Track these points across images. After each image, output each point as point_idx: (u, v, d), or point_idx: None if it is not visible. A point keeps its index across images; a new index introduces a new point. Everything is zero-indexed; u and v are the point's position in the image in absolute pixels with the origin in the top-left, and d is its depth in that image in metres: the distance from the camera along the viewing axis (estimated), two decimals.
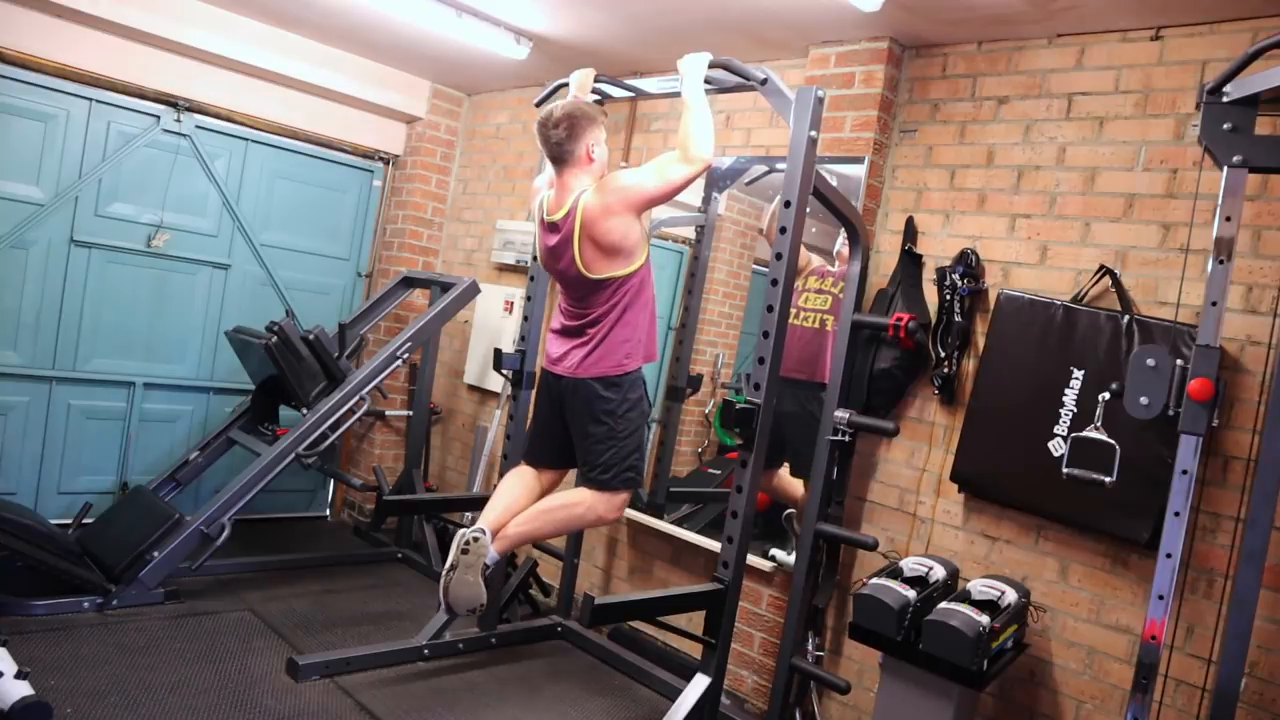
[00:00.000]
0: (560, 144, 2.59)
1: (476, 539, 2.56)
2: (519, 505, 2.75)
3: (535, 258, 3.41)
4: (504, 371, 3.45)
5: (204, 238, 4.44)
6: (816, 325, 3.29)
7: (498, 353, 3.44)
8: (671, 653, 3.55)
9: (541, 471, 2.89)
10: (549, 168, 2.75)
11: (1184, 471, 2.00)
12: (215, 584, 3.75)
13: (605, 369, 2.64)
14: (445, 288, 4.30)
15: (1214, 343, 1.98)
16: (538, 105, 3.47)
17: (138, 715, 2.60)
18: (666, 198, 2.60)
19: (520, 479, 2.86)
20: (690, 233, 3.81)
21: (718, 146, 3.69)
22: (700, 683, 2.49)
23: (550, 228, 2.66)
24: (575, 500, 2.71)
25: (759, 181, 3.70)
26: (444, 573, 2.54)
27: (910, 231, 3.10)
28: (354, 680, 3.01)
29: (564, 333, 2.75)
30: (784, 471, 3.37)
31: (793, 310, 3.24)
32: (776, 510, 3.47)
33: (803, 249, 2.64)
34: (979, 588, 2.55)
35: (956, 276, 2.90)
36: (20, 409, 3.99)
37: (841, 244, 3.37)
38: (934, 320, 2.96)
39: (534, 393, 2.90)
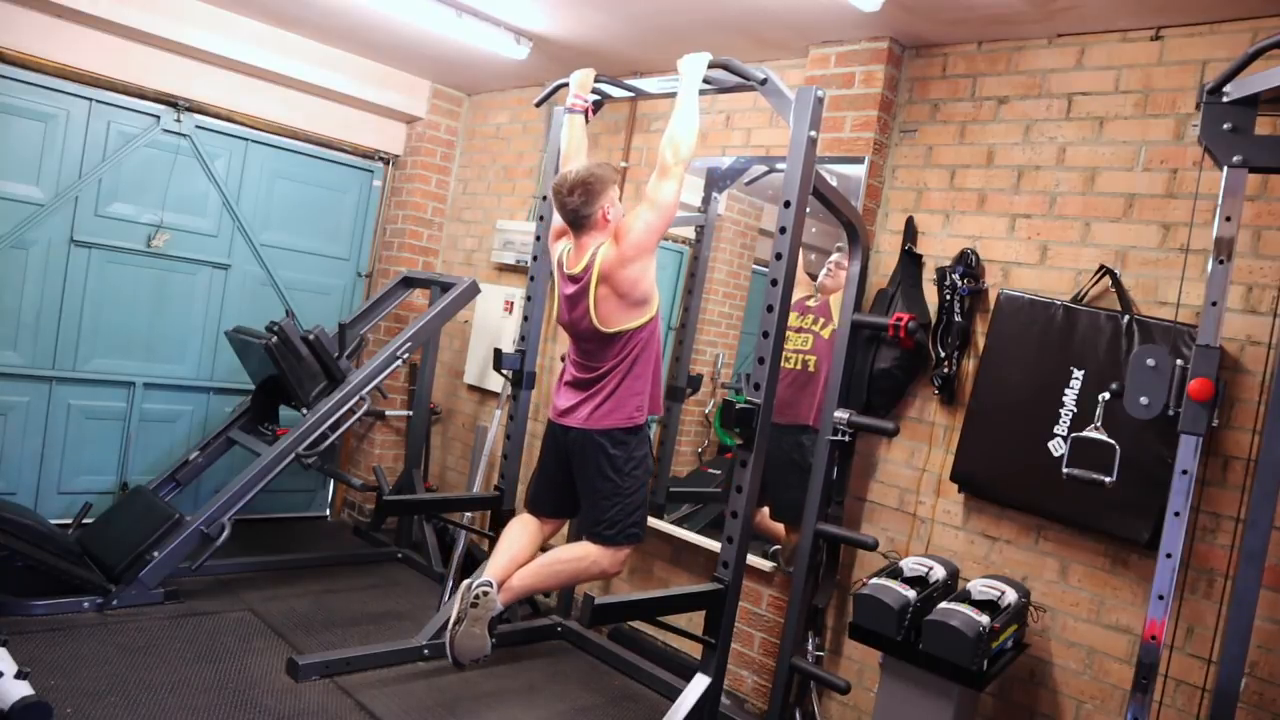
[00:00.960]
0: (577, 210, 2.66)
1: (486, 593, 2.58)
2: (524, 556, 2.78)
3: (535, 257, 3.43)
4: (504, 371, 3.45)
5: (204, 238, 4.44)
6: (799, 367, 3.24)
7: (498, 353, 3.44)
8: (671, 653, 3.55)
9: (544, 521, 2.93)
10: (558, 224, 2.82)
11: (1184, 471, 2.00)
12: (215, 584, 3.75)
13: (615, 422, 2.69)
14: (445, 288, 4.30)
15: (1214, 343, 1.98)
16: (538, 105, 3.48)
17: (138, 715, 2.60)
18: (671, 216, 2.63)
19: (524, 528, 2.89)
20: (690, 233, 3.81)
21: (718, 147, 3.71)
22: (700, 683, 2.49)
23: (569, 279, 2.73)
24: (580, 555, 2.74)
25: (759, 181, 3.70)
26: (450, 625, 2.56)
27: (910, 231, 3.09)
28: (354, 680, 3.01)
29: (574, 385, 2.79)
30: (766, 512, 3.35)
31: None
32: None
33: None
34: (979, 588, 2.55)
35: (956, 276, 2.90)
36: (20, 409, 3.99)
37: (826, 274, 3.32)
38: (934, 320, 2.96)
39: (541, 443, 2.95)
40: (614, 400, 2.69)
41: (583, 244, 2.70)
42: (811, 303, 3.32)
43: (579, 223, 2.68)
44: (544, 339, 4.26)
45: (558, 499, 2.90)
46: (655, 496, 3.77)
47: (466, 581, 2.61)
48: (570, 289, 2.72)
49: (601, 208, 2.66)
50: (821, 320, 3.23)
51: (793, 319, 3.27)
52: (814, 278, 3.38)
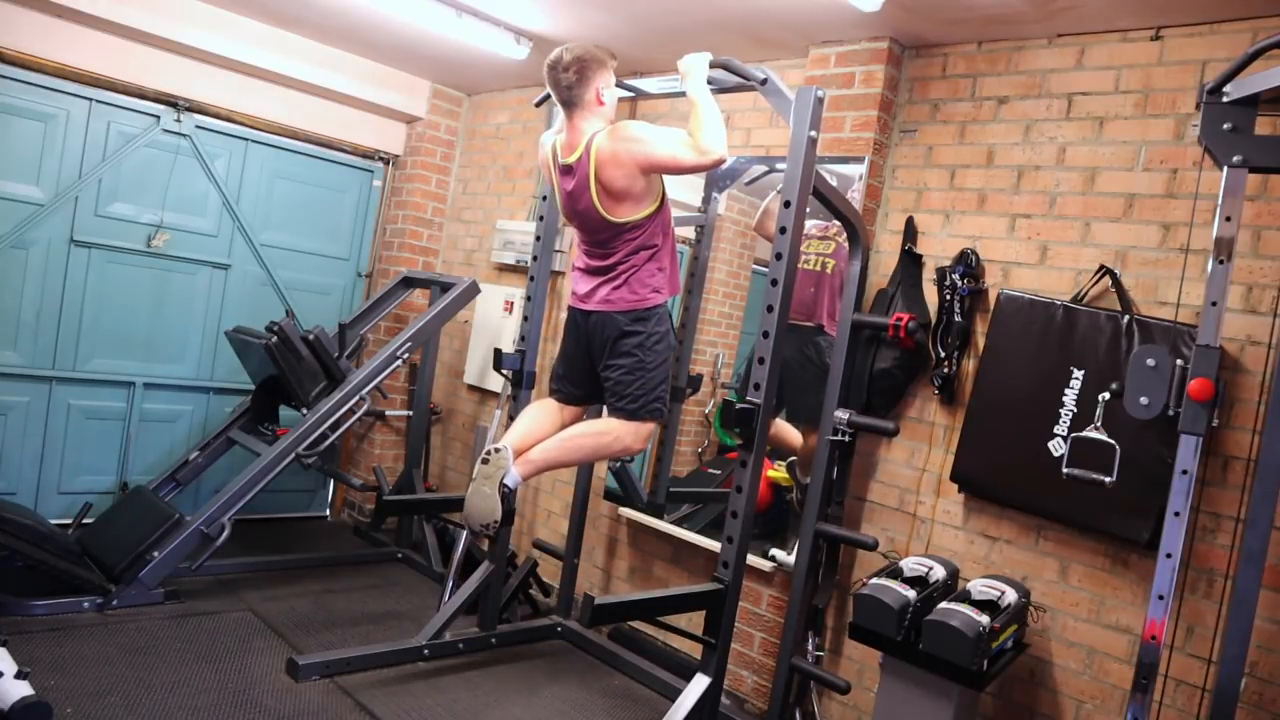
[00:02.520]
0: (570, 88, 2.59)
1: (498, 450, 2.58)
2: (541, 432, 2.76)
3: (535, 257, 3.43)
4: (504, 371, 3.45)
5: (204, 238, 4.44)
6: (818, 268, 3.28)
7: (498, 353, 3.44)
8: (671, 653, 3.55)
9: (564, 407, 2.90)
10: (560, 117, 2.73)
11: (1184, 471, 2.00)
12: (215, 584, 3.75)
13: (634, 303, 2.65)
14: (445, 288, 4.30)
15: (1214, 343, 1.98)
16: (538, 105, 3.48)
17: (138, 715, 2.60)
18: (669, 173, 2.60)
19: (544, 409, 2.87)
20: (690, 233, 3.81)
21: None
22: (700, 683, 2.49)
23: (565, 171, 2.65)
24: (603, 429, 2.72)
25: (759, 181, 3.70)
26: (468, 488, 2.59)
27: (910, 231, 3.10)
28: (354, 680, 3.01)
29: (589, 271, 2.74)
30: (780, 420, 3.35)
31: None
32: (777, 510, 3.48)
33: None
34: (979, 588, 2.55)
35: (956, 276, 2.90)
36: (20, 409, 3.99)
37: None
38: (934, 320, 2.96)
39: (564, 328, 2.91)
40: (632, 282, 2.65)
41: (575, 127, 2.62)
42: (835, 222, 3.36)
43: (572, 101, 2.61)
44: (544, 339, 4.26)
45: (579, 384, 2.87)
46: (655, 496, 3.78)
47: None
48: (569, 183, 2.64)
49: (596, 88, 2.60)
50: (844, 235, 3.24)
51: (815, 232, 3.34)
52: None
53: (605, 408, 2.79)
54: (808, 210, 2.52)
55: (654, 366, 2.68)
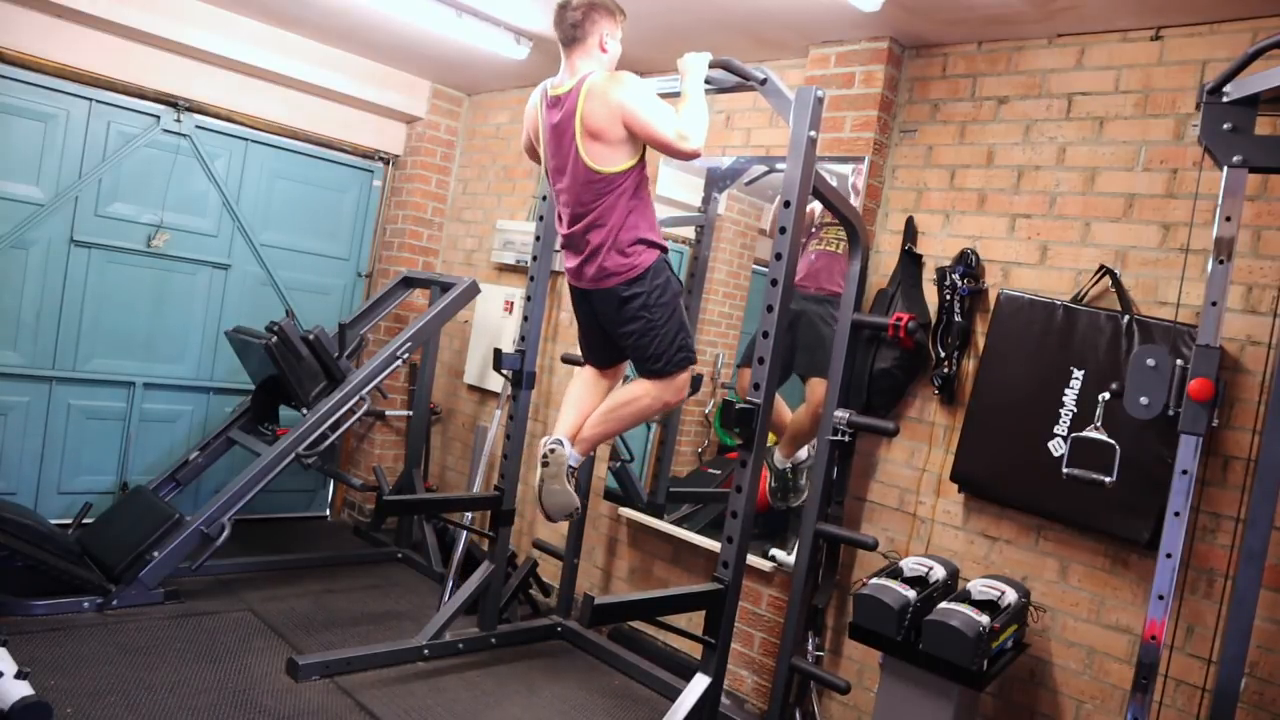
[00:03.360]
0: (575, 25, 2.55)
1: (554, 450, 2.63)
2: (589, 407, 2.80)
3: (535, 257, 3.43)
4: (504, 371, 3.45)
5: (204, 238, 4.44)
6: (836, 249, 3.31)
7: (498, 353, 3.44)
8: (671, 653, 3.55)
9: (602, 372, 2.92)
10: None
11: (1184, 471, 2.00)
12: (215, 584, 3.75)
13: (620, 276, 2.60)
14: (445, 288, 4.30)
15: (1214, 343, 1.98)
16: None
17: (138, 715, 2.60)
18: (642, 137, 2.53)
19: (584, 383, 2.90)
20: (690, 233, 3.81)
21: (718, 147, 3.70)
22: (700, 683, 2.49)
23: (553, 103, 2.61)
24: (639, 394, 2.72)
25: (759, 181, 3.70)
26: (535, 488, 2.65)
27: (910, 231, 3.10)
28: (354, 680, 3.01)
29: (569, 246, 2.71)
30: (780, 405, 3.35)
31: (815, 239, 3.34)
32: (777, 510, 3.47)
33: (809, 203, 2.65)
34: (979, 588, 2.55)
35: (956, 276, 2.90)
36: (20, 409, 3.99)
37: None
38: (934, 320, 2.96)
39: (571, 303, 2.90)
40: (611, 255, 2.59)
41: (574, 65, 2.57)
42: None
43: (575, 37, 2.57)
44: (544, 339, 4.26)
45: (605, 350, 2.87)
46: (655, 496, 3.78)
47: (540, 441, 2.69)
48: (555, 115, 2.58)
49: (601, 33, 2.58)
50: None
51: (829, 218, 3.31)
52: None
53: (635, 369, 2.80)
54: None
55: (664, 321, 2.64)
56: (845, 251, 3.24)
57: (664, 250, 2.66)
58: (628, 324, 2.65)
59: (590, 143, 2.52)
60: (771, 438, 3.37)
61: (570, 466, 2.64)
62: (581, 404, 2.83)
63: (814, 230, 3.36)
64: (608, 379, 2.92)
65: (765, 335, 2.46)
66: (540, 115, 2.69)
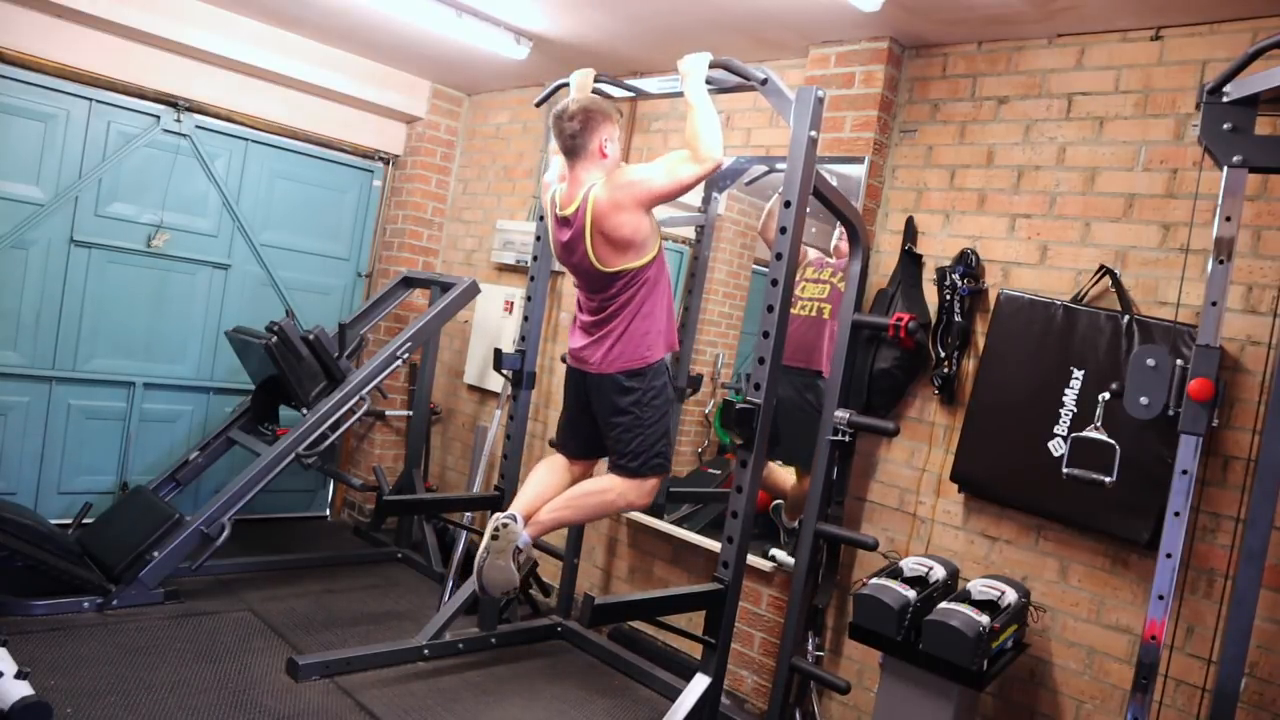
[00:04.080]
0: (574, 136, 2.60)
1: (506, 525, 2.60)
2: (551, 492, 2.79)
3: (535, 257, 3.43)
4: (504, 371, 3.45)
5: (204, 238, 4.44)
6: (814, 314, 3.30)
7: (498, 353, 3.44)
8: (671, 653, 3.55)
9: (573, 462, 2.93)
10: (556, 164, 2.76)
11: (1184, 471, 2.00)
12: (215, 584, 3.75)
13: (628, 362, 2.67)
14: (445, 288, 4.30)
15: (1214, 343, 1.98)
16: (538, 105, 3.48)
17: (138, 715, 2.60)
18: (674, 196, 2.60)
19: (551, 468, 2.90)
20: (690, 233, 3.81)
21: None
22: (700, 683, 2.49)
23: (562, 222, 2.67)
24: (606, 487, 2.74)
25: (759, 181, 3.70)
26: (477, 557, 2.60)
27: (910, 231, 3.09)
28: (354, 680, 3.01)
29: (585, 329, 2.77)
30: (774, 464, 3.36)
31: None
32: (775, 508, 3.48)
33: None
34: (979, 588, 2.55)
35: (956, 276, 2.90)
36: (20, 409, 3.99)
37: (839, 238, 3.37)
38: (934, 320, 2.96)
39: (564, 385, 2.94)
40: (625, 341, 2.66)
41: (577, 177, 2.64)
42: (830, 259, 3.39)
43: (575, 150, 2.62)
44: (544, 339, 4.26)
45: (584, 439, 2.89)
46: (655, 496, 3.76)
47: (494, 514, 2.64)
48: (565, 235, 2.66)
49: (600, 140, 2.62)
50: (839, 275, 3.26)
51: (810, 273, 3.38)
52: (825, 252, 3.48)
53: (608, 463, 2.81)
54: (810, 232, 2.52)
55: (652, 423, 2.70)
56: (829, 315, 3.24)
57: (669, 350, 2.75)
58: (617, 415, 2.70)
59: (608, 254, 2.59)
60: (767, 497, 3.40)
61: (518, 547, 2.60)
62: (543, 486, 2.82)
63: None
64: (577, 470, 2.93)
65: (765, 335, 2.46)
66: (551, 225, 2.76)
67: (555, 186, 2.74)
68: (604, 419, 2.76)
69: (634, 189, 2.53)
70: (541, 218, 3.40)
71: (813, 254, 3.41)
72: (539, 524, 2.69)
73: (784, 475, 3.37)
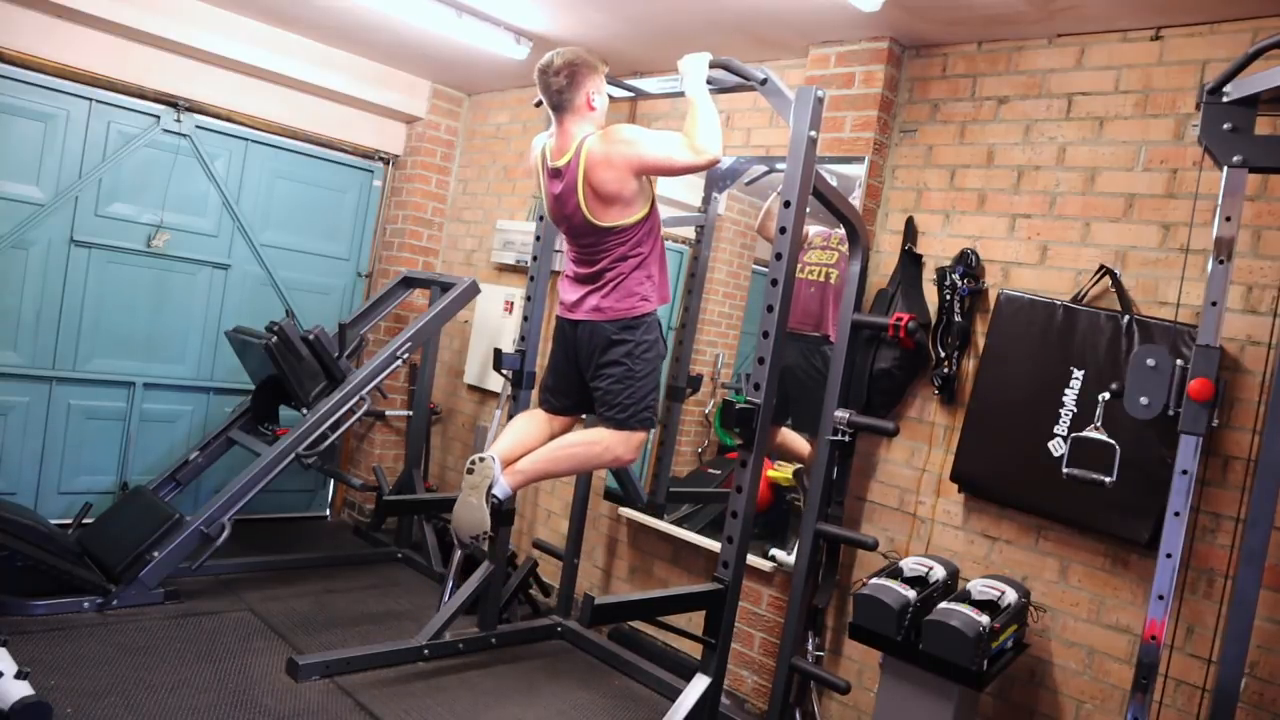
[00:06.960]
0: (561, 91, 2.59)
1: (482, 459, 2.57)
2: (532, 442, 2.75)
3: (535, 257, 3.43)
4: (504, 371, 3.45)
5: (204, 238, 4.44)
6: (821, 278, 3.30)
7: (498, 353, 3.44)
8: (671, 653, 3.55)
9: (554, 417, 2.89)
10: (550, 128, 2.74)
11: (1184, 471, 2.00)
12: (215, 584, 3.75)
13: (622, 311, 2.64)
14: (445, 288, 4.30)
15: (1214, 343, 1.98)
16: (538, 105, 3.45)
17: (138, 715, 2.60)
18: (661, 173, 2.61)
19: (532, 420, 2.87)
20: (690, 233, 3.81)
21: None
22: (700, 683, 2.49)
23: (554, 174, 2.65)
24: (593, 439, 2.70)
25: (759, 181, 3.70)
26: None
27: (910, 231, 3.09)
28: (354, 680, 3.01)
29: (577, 279, 2.74)
30: (788, 430, 3.35)
31: (799, 267, 3.28)
32: (777, 510, 3.48)
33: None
34: (979, 588, 2.55)
35: (956, 276, 2.90)
36: (20, 409, 3.99)
37: None
38: (934, 320, 2.96)
39: (551, 340, 2.91)
40: (620, 291, 2.63)
41: (566, 130, 2.62)
42: (835, 231, 3.38)
43: (562, 105, 2.60)
44: (544, 339, 4.25)
45: (568, 395, 2.86)
46: (655, 496, 3.78)
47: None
48: (557, 186, 2.63)
49: (586, 93, 2.60)
50: (845, 244, 3.24)
51: (817, 241, 3.38)
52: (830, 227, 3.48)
53: (596, 417, 2.78)
54: (811, 215, 2.52)
55: (643, 375, 2.67)
56: (835, 280, 3.24)
57: (662, 303, 2.71)
58: (607, 366, 2.66)
59: (599, 207, 2.57)
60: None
61: (495, 496, 2.56)
62: (524, 434, 2.78)
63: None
64: (557, 425, 2.89)
65: (765, 335, 2.46)
66: (543, 179, 2.73)
67: (546, 141, 2.72)
68: (593, 370, 2.71)
69: (627, 150, 2.51)
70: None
71: (813, 230, 3.39)
72: (520, 473, 2.65)
73: (798, 440, 3.34)
